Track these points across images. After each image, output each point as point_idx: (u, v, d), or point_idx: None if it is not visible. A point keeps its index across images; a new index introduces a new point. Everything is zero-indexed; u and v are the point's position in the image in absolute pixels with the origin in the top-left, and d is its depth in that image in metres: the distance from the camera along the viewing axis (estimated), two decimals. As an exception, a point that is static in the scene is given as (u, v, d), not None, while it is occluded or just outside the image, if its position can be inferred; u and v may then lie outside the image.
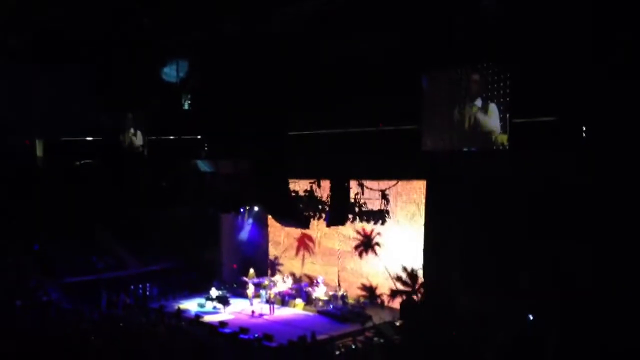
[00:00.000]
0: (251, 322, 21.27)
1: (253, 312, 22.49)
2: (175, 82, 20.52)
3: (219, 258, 26.83)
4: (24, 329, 16.90)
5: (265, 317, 22.12)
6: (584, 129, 12.56)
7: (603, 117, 12.31)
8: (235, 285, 25.05)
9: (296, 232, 25.79)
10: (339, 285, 24.05)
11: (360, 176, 19.50)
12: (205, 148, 20.37)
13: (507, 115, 12.71)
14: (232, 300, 23.25)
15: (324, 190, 20.05)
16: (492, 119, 12.95)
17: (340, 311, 21.88)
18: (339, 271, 24.71)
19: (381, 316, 21.00)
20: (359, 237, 23.61)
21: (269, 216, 25.81)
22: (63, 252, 25.47)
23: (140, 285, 24.53)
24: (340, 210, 19.25)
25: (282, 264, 27.04)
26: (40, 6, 17.41)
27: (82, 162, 24.27)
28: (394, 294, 22.04)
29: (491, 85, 12.90)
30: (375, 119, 16.18)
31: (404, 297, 21.00)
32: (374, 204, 20.15)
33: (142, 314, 20.80)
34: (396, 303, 21.81)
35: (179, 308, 22.13)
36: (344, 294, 23.10)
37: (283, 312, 22.62)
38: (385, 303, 22.76)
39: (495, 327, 14.37)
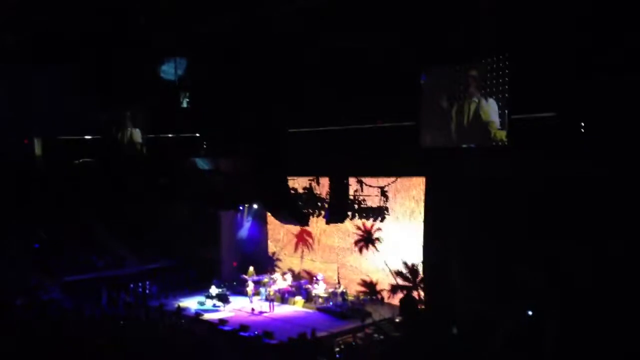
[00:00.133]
0: (251, 319, 21.29)
1: (253, 309, 22.51)
2: (174, 79, 20.51)
3: (219, 256, 26.83)
4: (24, 328, 16.90)
5: (265, 314, 22.14)
6: (583, 124, 12.55)
7: (602, 113, 12.30)
8: (235, 283, 25.06)
9: (295, 228, 25.80)
10: (339, 282, 24.07)
11: (359, 173, 19.49)
12: (204, 146, 20.34)
13: (506, 111, 12.72)
14: (232, 298, 23.27)
15: (323, 187, 20.05)
16: (491, 115, 12.95)
17: (340, 308, 21.91)
18: (338, 268, 24.73)
19: (381, 313, 21.01)
20: (359, 232, 23.62)
21: (268, 214, 25.81)
22: (63, 250, 25.49)
23: (140, 284, 24.55)
24: (339, 208, 19.25)
25: (280, 260, 27.05)
26: (38, 6, 17.43)
27: (81, 160, 24.25)
28: (394, 289, 22.05)
29: (490, 81, 12.90)
30: (374, 115, 16.16)
31: (405, 292, 21.03)
32: (373, 201, 20.17)
33: (142, 312, 20.82)
34: (396, 299, 21.84)
35: (179, 306, 22.14)
36: (344, 291, 23.12)
37: (283, 310, 22.64)
38: (385, 299, 22.77)
39: (495, 324, 14.37)
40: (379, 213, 19.98)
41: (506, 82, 12.63)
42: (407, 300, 18.90)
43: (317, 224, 23.93)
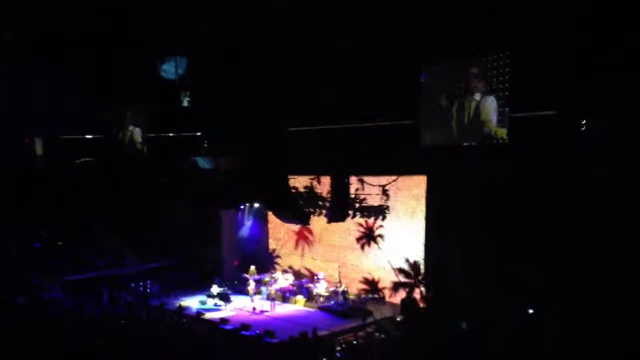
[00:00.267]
0: (252, 318, 21.29)
1: (254, 308, 22.51)
2: (174, 79, 20.51)
3: (220, 255, 26.84)
4: (25, 327, 16.91)
5: (266, 313, 22.15)
6: (583, 123, 12.53)
7: (603, 113, 12.29)
8: (236, 282, 25.05)
9: (296, 227, 25.80)
10: (340, 281, 24.06)
11: (360, 172, 19.49)
12: (205, 145, 20.34)
13: (507, 109, 12.70)
14: (233, 297, 23.27)
15: (324, 186, 20.06)
16: (491, 113, 12.93)
17: (341, 307, 21.90)
18: (339, 267, 24.73)
19: (382, 311, 21.01)
20: (361, 229, 23.59)
21: (269, 213, 25.81)
22: (64, 250, 25.51)
23: (142, 283, 24.56)
24: (340, 206, 19.26)
25: (280, 257, 27.06)
26: (38, 6, 17.43)
27: (82, 160, 24.26)
28: (396, 286, 22.05)
29: (490, 79, 12.88)
30: (374, 114, 16.15)
31: (407, 289, 21.04)
32: (374, 200, 20.17)
33: (143, 312, 20.82)
34: (398, 297, 21.85)
35: (180, 305, 22.14)
36: (345, 289, 23.11)
37: (284, 309, 22.65)
38: (387, 297, 22.76)
39: (496, 323, 14.36)
40: (380, 212, 20.00)
41: (507, 80, 12.62)
42: (407, 302, 18.89)
43: (318, 223, 23.91)
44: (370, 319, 20.31)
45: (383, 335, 17.60)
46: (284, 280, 24.45)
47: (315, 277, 24.07)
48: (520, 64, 12.55)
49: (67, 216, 25.46)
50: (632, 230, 12.65)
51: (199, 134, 20.66)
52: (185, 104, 20.96)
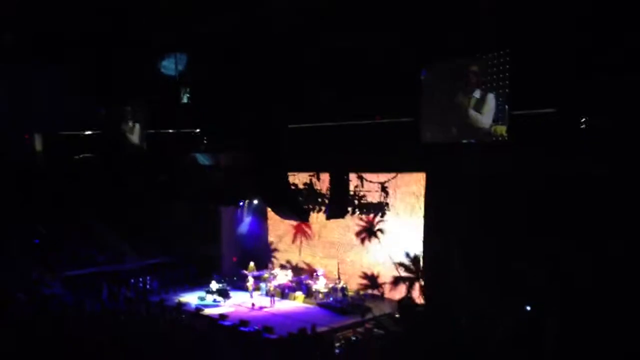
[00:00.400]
0: (251, 314, 21.32)
1: (253, 304, 22.54)
2: (174, 75, 20.52)
3: (219, 251, 26.85)
4: (25, 323, 16.94)
5: (265, 309, 22.17)
6: (583, 121, 12.55)
7: (603, 112, 12.31)
8: (235, 278, 25.08)
9: (295, 223, 25.84)
10: (339, 277, 24.09)
11: (360, 169, 19.51)
12: (205, 141, 20.36)
13: (506, 107, 12.73)
14: (232, 293, 23.30)
15: (323, 183, 20.07)
16: (491, 110, 12.96)
17: (340, 303, 21.93)
18: (338, 263, 24.76)
19: (381, 308, 21.07)
20: (361, 224, 23.57)
21: (269, 209, 25.84)
22: (64, 245, 25.53)
23: (141, 279, 24.57)
24: (340, 203, 19.28)
25: (277, 250, 27.09)
26: (38, 6, 17.45)
27: (81, 156, 24.28)
28: (396, 280, 22.07)
29: (490, 77, 12.90)
30: (374, 111, 16.18)
31: (407, 283, 21.08)
32: (374, 197, 20.19)
33: (143, 307, 20.84)
34: (398, 292, 21.89)
35: (179, 301, 22.16)
36: (344, 286, 23.14)
37: (283, 305, 22.67)
38: (386, 293, 22.78)
39: (495, 320, 14.39)
40: (380, 209, 20.02)
41: (506, 78, 12.64)
42: (405, 302, 18.92)
43: (317, 220, 23.94)
44: (369, 316, 20.36)
45: (382, 332, 17.65)
46: (283, 277, 24.48)
47: (315, 274, 24.09)
48: (520, 61, 12.58)
49: (67, 213, 25.46)
50: (632, 230, 12.68)
51: (198, 130, 20.69)
52: (185, 100, 20.98)
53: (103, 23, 18.39)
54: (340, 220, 22.59)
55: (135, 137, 21.68)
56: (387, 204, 20.04)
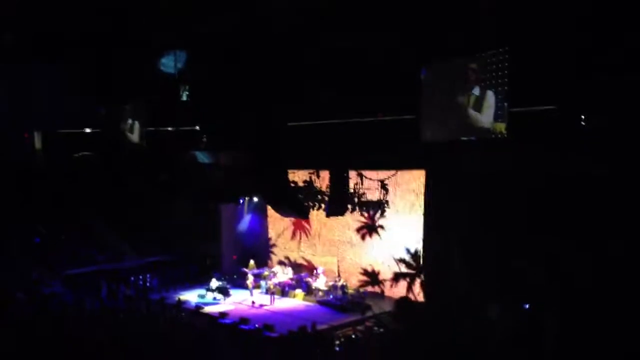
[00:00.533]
0: (251, 312, 21.31)
1: (253, 302, 22.54)
2: (174, 73, 20.51)
3: (219, 249, 26.84)
4: (25, 322, 16.95)
5: (265, 307, 22.16)
6: (582, 118, 12.54)
7: (602, 112, 12.30)
8: (235, 276, 25.07)
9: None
10: (339, 275, 24.09)
11: (360, 166, 19.51)
12: (204, 139, 20.35)
13: (505, 104, 12.72)
14: (232, 291, 23.29)
15: (323, 180, 20.06)
16: (490, 108, 12.95)
17: (340, 301, 21.92)
18: (338, 261, 24.76)
19: (381, 306, 21.06)
20: (361, 220, 23.55)
21: (269, 207, 25.84)
22: (63, 244, 25.52)
23: (141, 277, 24.56)
24: (339, 201, 19.27)
25: (276, 245, 27.10)
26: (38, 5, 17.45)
27: (81, 154, 24.27)
28: (397, 276, 22.06)
29: (489, 74, 12.90)
30: (374, 109, 16.18)
31: (408, 279, 21.08)
32: (373, 194, 20.18)
33: (142, 305, 20.84)
34: (399, 288, 21.87)
35: (179, 299, 22.16)
36: (344, 284, 23.14)
37: (283, 303, 22.66)
38: (387, 290, 22.77)
39: (495, 319, 14.40)
40: (379, 206, 20.01)
41: (505, 75, 12.64)
42: (402, 303, 18.92)
43: (317, 217, 23.94)
44: (369, 313, 20.38)
45: (382, 330, 17.66)
46: (283, 275, 24.49)
47: (314, 272, 24.09)
48: (520, 59, 12.58)
49: (66, 212, 25.46)
50: (632, 230, 12.68)
51: (198, 128, 20.68)
52: (185, 98, 20.97)
53: (103, 23, 18.39)
54: (340, 218, 22.60)
55: (135, 136, 21.68)
56: (386, 201, 20.02)
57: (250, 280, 23.62)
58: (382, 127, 16.22)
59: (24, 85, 22.41)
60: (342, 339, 17.29)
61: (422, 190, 20.40)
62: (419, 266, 21.20)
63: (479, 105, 13.27)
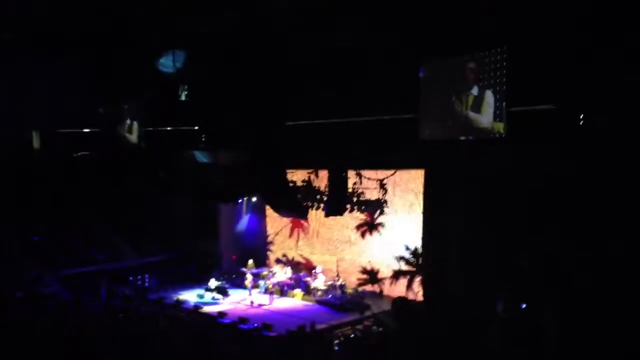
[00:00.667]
0: (250, 312, 21.32)
1: (252, 302, 22.54)
2: (172, 72, 20.48)
3: (218, 249, 26.85)
4: (25, 322, 16.93)
5: (264, 307, 22.17)
6: (582, 117, 12.53)
7: (603, 107, 12.29)
8: (234, 276, 25.06)
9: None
10: (338, 274, 24.10)
11: (358, 166, 19.51)
12: (203, 139, 20.33)
13: (504, 103, 12.72)
14: (231, 291, 23.29)
15: (321, 180, 20.07)
16: (489, 107, 12.95)
17: (339, 301, 21.93)
18: (337, 260, 24.76)
19: (380, 305, 21.08)
20: (362, 217, 23.53)
21: (268, 207, 25.83)
22: (62, 244, 25.50)
23: (140, 277, 24.54)
24: (338, 200, 19.27)
25: (273, 243, 27.08)
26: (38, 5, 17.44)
27: (80, 154, 24.24)
28: (397, 274, 22.05)
29: (487, 74, 12.89)
30: (373, 108, 16.16)
31: (408, 276, 21.08)
32: (372, 194, 20.18)
33: (141, 305, 20.84)
34: (399, 286, 21.86)
35: (178, 299, 22.18)
36: (343, 283, 23.15)
37: (282, 302, 22.67)
38: (386, 290, 22.77)
39: (493, 318, 14.40)
40: (378, 206, 20.02)
41: (504, 75, 12.63)
42: (400, 303, 18.92)
43: (316, 217, 23.94)
44: (368, 313, 20.39)
45: (381, 329, 17.66)
46: (281, 274, 24.49)
47: (313, 271, 24.10)
48: (518, 58, 12.57)
49: (65, 212, 25.43)
50: (632, 230, 12.68)
51: (197, 127, 20.66)
52: (184, 97, 20.95)
53: (103, 23, 18.38)
54: (338, 218, 22.61)
55: (133, 136, 21.66)
56: (385, 201, 20.03)
57: (249, 280, 23.62)
58: (381, 127, 16.20)
59: (24, 85, 22.39)
60: (341, 338, 17.31)
61: (421, 190, 20.39)
62: (418, 264, 21.18)
63: (477, 105, 13.25)
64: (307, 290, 23.23)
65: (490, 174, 14.68)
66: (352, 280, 23.85)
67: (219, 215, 26.74)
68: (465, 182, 15.62)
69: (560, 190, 13.51)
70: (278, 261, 26.16)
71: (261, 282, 23.87)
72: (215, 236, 26.88)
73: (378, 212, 20.50)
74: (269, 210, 26.48)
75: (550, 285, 13.83)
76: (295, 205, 20.08)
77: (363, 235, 23.68)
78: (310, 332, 17.54)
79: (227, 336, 17.05)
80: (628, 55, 11.47)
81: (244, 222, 27.25)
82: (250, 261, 25.35)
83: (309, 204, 20.22)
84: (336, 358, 15.76)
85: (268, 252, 27.22)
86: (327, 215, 20.51)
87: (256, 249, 27.12)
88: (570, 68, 12.22)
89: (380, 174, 20.35)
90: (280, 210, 21.82)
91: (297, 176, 21.14)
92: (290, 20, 15.89)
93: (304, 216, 21.48)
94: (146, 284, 24.52)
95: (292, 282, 24.00)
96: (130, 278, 24.27)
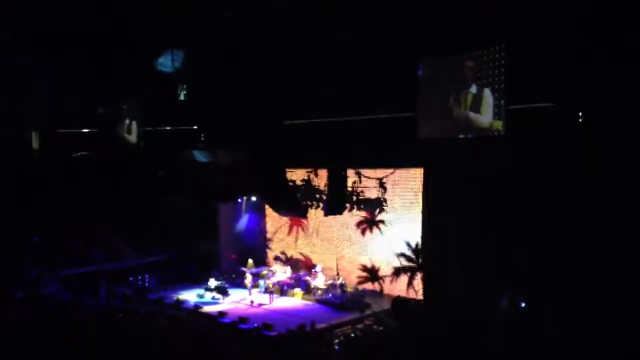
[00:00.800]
0: (250, 311, 21.31)
1: (252, 302, 22.53)
2: (172, 72, 20.47)
3: (218, 249, 26.84)
4: (24, 321, 16.93)
5: (264, 306, 22.16)
6: (580, 115, 12.53)
7: (602, 105, 12.28)
8: (233, 276, 25.04)
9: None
10: (338, 273, 24.09)
11: (358, 165, 19.50)
12: (202, 138, 20.32)
13: (502, 102, 12.72)
14: (231, 291, 23.26)
15: (321, 179, 20.06)
16: (488, 105, 12.95)
17: (339, 300, 21.92)
18: (337, 259, 24.76)
19: (380, 304, 21.07)
20: (362, 214, 23.51)
21: (267, 206, 25.81)
22: (62, 244, 25.49)
23: (139, 277, 24.53)
24: (337, 199, 19.27)
25: (271, 240, 27.09)
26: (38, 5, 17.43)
27: (79, 153, 24.23)
28: (397, 271, 22.04)
29: (486, 72, 12.90)
30: (372, 108, 16.16)
31: (408, 274, 21.07)
32: (372, 193, 20.17)
33: (141, 305, 20.84)
34: (399, 284, 21.84)
35: (178, 299, 22.17)
36: (343, 282, 23.14)
37: (282, 302, 22.65)
38: (386, 288, 22.75)
39: (493, 317, 14.40)
40: (378, 205, 20.00)
41: (502, 73, 12.64)
42: (399, 303, 18.93)
43: (315, 216, 23.93)
44: (368, 312, 20.38)
45: (381, 328, 17.67)
46: (281, 274, 24.48)
47: (313, 270, 24.09)
48: (517, 56, 12.56)
49: (65, 212, 25.42)
50: (632, 230, 12.67)
51: (196, 127, 20.65)
52: (183, 97, 20.94)
53: (103, 23, 18.36)
54: (338, 217, 22.59)
55: (132, 135, 21.65)
56: (385, 200, 20.01)
57: (248, 279, 23.61)
58: (380, 125, 16.20)
59: (23, 85, 22.37)
60: (342, 338, 17.32)
61: (421, 188, 20.38)
62: (419, 260, 21.16)
63: (476, 103, 13.26)
64: (307, 290, 23.21)
65: (489, 173, 14.67)
66: (352, 278, 23.84)
67: (218, 214, 26.72)
68: (465, 181, 15.61)
69: (560, 190, 13.51)
70: (277, 259, 26.13)
71: (261, 282, 23.86)
72: (214, 236, 26.85)
73: (377, 210, 20.47)
74: (268, 210, 26.48)
75: (550, 285, 13.82)
76: (295, 204, 20.06)
77: (363, 233, 23.65)
78: (311, 331, 17.55)
79: (227, 336, 17.07)
80: (627, 54, 11.46)
81: (243, 221, 27.25)
82: (250, 261, 25.34)
83: (309, 203, 20.20)
84: (336, 357, 15.76)
85: (267, 250, 27.18)
86: (326, 214, 20.51)
87: (256, 248, 27.11)
88: (568, 66, 12.23)
89: (380, 172, 20.33)
90: (279, 209, 21.81)
91: (296, 175, 21.12)
92: (290, 20, 15.87)
93: (304, 215, 21.46)
94: (146, 284, 24.51)
95: (292, 281, 23.98)
96: (130, 278, 24.26)
